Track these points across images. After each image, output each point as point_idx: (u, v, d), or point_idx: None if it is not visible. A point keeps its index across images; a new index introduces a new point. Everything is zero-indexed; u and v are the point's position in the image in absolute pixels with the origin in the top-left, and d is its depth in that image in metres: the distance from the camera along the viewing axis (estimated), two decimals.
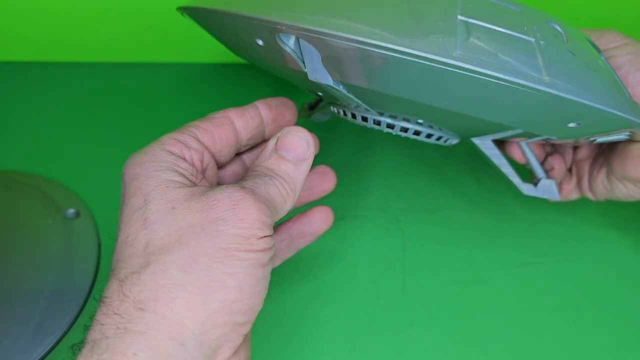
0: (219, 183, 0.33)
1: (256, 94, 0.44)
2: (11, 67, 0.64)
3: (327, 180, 0.37)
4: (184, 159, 0.29)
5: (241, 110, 0.32)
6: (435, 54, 0.24)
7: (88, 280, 0.43)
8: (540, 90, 0.25)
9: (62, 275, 0.43)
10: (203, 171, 0.30)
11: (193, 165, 0.29)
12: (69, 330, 0.40)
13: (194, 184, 0.28)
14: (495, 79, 0.25)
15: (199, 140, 0.30)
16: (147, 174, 0.27)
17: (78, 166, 0.53)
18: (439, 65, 0.24)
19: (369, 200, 0.50)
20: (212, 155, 0.31)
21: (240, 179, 0.30)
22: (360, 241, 0.47)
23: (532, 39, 0.27)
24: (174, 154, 0.29)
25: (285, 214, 0.30)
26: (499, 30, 0.26)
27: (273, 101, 0.33)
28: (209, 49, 0.64)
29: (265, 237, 0.26)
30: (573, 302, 0.43)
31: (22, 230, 0.46)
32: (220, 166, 0.33)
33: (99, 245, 0.46)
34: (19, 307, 0.41)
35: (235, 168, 0.35)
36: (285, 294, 0.42)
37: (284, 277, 0.43)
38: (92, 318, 0.25)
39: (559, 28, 0.30)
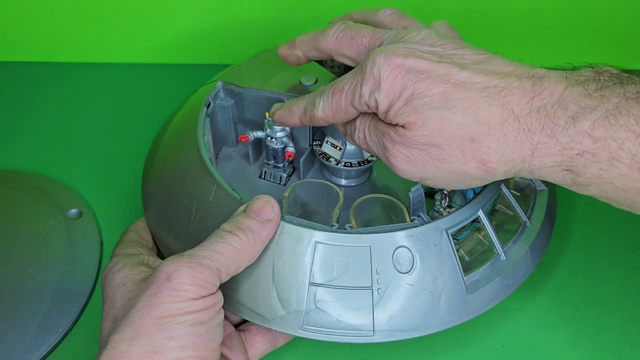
0: None
1: None
2: (11, 67, 0.64)
3: None
4: (143, 243, 0.39)
5: None
6: (289, 330, 0.35)
7: (90, 280, 0.43)
8: (369, 342, 0.35)
9: (64, 274, 0.43)
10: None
11: (148, 244, 0.39)
12: (71, 329, 0.40)
13: (149, 266, 0.35)
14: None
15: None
16: (109, 281, 0.33)
17: (80, 166, 0.53)
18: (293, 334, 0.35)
19: None
20: None
21: None
22: None
23: (370, 289, 0.34)
24: (136, 241, 0.39)
25: (245, 263, 0.33)
26: (342, 288, 0.34)
27: None
28: (209, 51, 0.64)
29: (203, 297, 0.31)
30: (572, 303, 0.44)
31: (24, 230, 0.46)
32: None
33: (101, 245, 0.46)
34: (21, 306, 0.41)
35: None
36: None
37: None
38: None
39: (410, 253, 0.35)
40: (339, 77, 0.52)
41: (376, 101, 0.33)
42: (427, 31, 0.35)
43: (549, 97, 0.30)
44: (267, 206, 0.35)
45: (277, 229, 0.35)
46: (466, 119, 0.31)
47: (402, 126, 0.32)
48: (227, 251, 0.32)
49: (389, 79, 0.32)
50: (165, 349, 0.29)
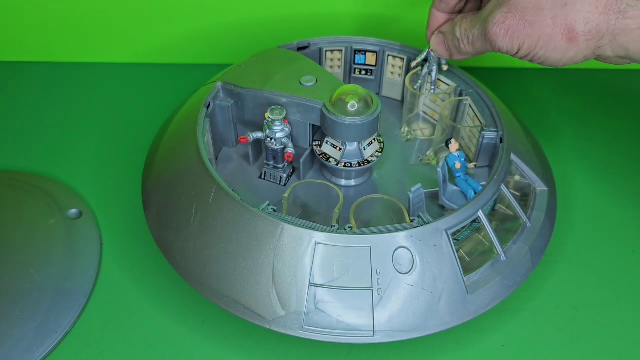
0: None
1: None
2: (11, 67, 0.64)
3: None
4: None
5: None
6: (289, 330, 0.35)
7: (90, 280, 0.43)
8: (369, 343, 0.35)
9: (64, 275, 0.43)
10: None
11: None
12: (71, 330, 0.40)
13: None
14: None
15: None
16: None
17: (80, 167, 0.53)
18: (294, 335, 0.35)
19: None
20: None
21: None
22: None
23: (370, 289, 0.34)
24: None
25: None
26: (342, 289, 0.35)
27: None
28: (209, 51, 0.64)
29: None
30: (572, 303, 0.44)
31: (24, 230, 0.46)
32: None
33: (101, 245, 0.46)
34: (21, 306, 0.41)
35: None
36: None
37: None
38: None
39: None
40: (339, 76, 0.52)
41: None
42: None
43: None
44: None
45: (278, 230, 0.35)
46: None
47: None
48: None
49: None
50: None
